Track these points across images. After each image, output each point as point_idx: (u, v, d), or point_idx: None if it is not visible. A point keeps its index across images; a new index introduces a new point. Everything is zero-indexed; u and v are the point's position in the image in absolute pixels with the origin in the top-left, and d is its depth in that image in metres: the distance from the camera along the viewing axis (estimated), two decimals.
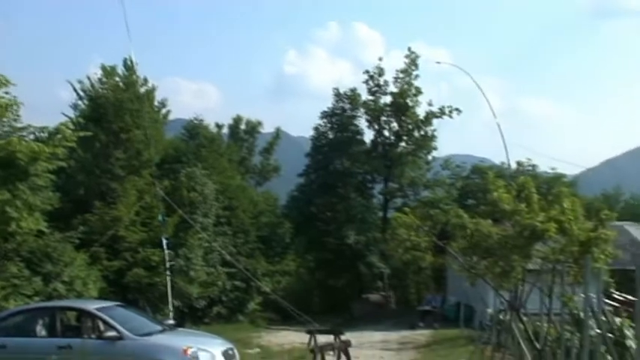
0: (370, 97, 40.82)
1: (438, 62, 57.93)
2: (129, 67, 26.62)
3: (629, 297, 11.76)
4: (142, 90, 27.40)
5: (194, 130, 35.26)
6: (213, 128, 38.98)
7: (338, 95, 41.31)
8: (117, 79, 26.53)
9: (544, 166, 41.12)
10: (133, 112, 25.25)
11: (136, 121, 25.16)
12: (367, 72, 40.94)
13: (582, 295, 11.50)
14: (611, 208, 20.37)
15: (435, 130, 40.06)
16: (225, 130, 42.15)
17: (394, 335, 24.77)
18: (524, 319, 15.80)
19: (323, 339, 15.04)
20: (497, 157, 39.12)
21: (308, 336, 15.00)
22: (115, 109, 25.24)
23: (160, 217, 22.26)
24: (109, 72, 26.53)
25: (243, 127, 43.78)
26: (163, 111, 33.65)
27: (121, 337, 11.63)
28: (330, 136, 41.28)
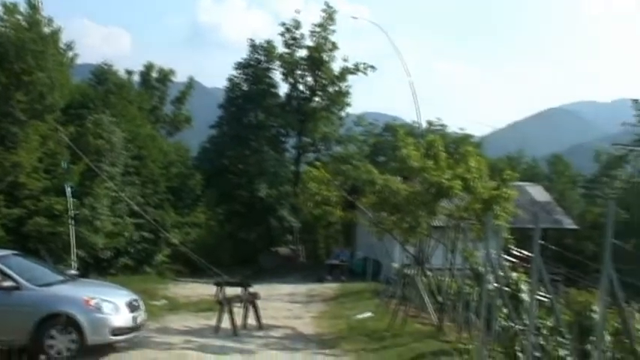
0: (286, 50, 40.44)
1: (355, 17, 57.49)
2: (32, 5, 25.11)
3: (527, 253, 12.31)
4: (47, 31, 25.93)
5: (102, 75, 33.86)
6: (123, 75, 37.55)
7: (253, 47, 40.70)
8: (19, 17, 25.00)
9: (454, 127, 42.21)
10: (36, 54, 23.89)
11: (40, 63, 23.85)
12: (284, 24, 40.52)
13: (483, 250, 11.96)
14: (513, 169, 21.19)
15: (349, 87, 40.25)
16: (136, 78, 40.67)
17: (302, 288, 25.09)
18: (429, 273, 16.34)
19: (231, 291, 15.02)
20: (409, 116, 39.84)
21: (216, 288, 14.94)
22: (17, 50, 23.80)
23: (63, 164, 21.39)
24: (10, 9, 24.91)
25: (155, 75, 42.35)
26: (70, 54, 32.08)
27: (18, 287, 11.17)
28: (245, 88, 40.69)
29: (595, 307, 10.25)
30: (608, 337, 9.79)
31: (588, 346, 9.73)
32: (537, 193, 34.79)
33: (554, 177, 45.04)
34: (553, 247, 13.59)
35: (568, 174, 44.92)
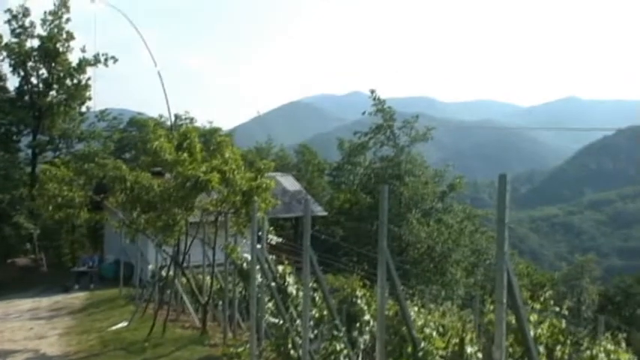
0: (14, 40, 36.42)
1: (93, 0, 53.76)
2: None
3: (281, 242, 12.01)
4: None
5: None
6: None
7: None
8: None
9: (201, 120, 41.52)
10: None
11: None
12: (9, 11, 36.46)
13: (247, 244, 11.34)
14: (266, 161, 21.07)
15: (89, 79, 37.43)
16: None
17: (46, 301, 22.62)
18: (188, 273, 15.39)
19: None
20: (154, 112, 38.34)
21: None
22: None
23: None
24: None
25: None
26: None
27: None
28: None
29: (359, 293, 10.16)
30: (369, 319, 9.78)
31: (355, 333, 9.63)
32: (288, 182, 35.51)
33: (303, 166, 46.54)
34: (324, 236, 13.46)
35: (315, 162, 46.69)
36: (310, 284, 8.45)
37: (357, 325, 9.73)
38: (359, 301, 9.92)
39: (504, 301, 4.92)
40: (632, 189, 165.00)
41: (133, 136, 40.45)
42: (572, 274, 48.38)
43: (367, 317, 9.77)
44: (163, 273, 16.40)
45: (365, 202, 37.84)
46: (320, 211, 34.50)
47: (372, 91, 39.43)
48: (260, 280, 10.10)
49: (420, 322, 8.37)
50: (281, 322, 9.38)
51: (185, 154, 13.32)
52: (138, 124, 41.01)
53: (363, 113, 40.33)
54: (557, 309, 7.13)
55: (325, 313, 9.18)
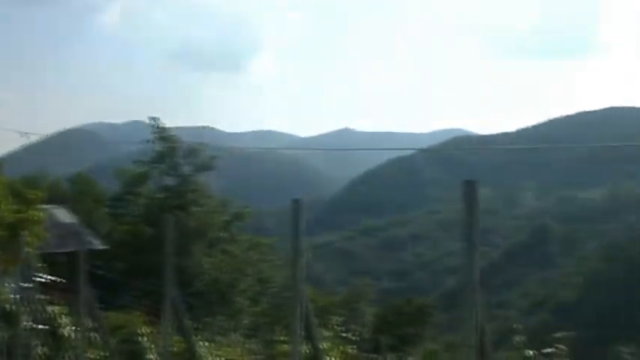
0: None
1: None
2: None
3: (55, 279, 10.99)
4: None
5: None
6: None
7: None
8: None
9: None
10: None
11: None
12: None
13: (13, 285, 10.15)
14: (35, 191, 19.36)
15: None
16: None
17: None
18: None
19: None
20: None
21: None
22: None
23: None
24: None
25: None
26: None
27: None
28: None
29: (140, 331, 9.57)
30: (154, 358, 9.20)
31: None
32: (62, 215, 33.18)
33: (79, 197, 43.83)
34: (102, 272, 12.46)
35: (93, 193, 44.23)
36: (89, 324, 7.72)
37: None
38: (141, 339, 9.33)
39: (298, 332, 4.75)
40: (401, 217, 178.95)
41: None
42: (351, 298, 50.68)
43: (152, 356, 9.19)
44: None
45: (147, 233, 36.46)
46: (99, 244, 32.61)
47: (154, 119, 38.44)
48: (28, 323, 9.06)
49: (210, 359, 7.99)
50: None
51: None
52: None
53: (147, 141, 39.10)
54: (345, 334, 7.17)
55: (105, 354, 8.48)
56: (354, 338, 7.22)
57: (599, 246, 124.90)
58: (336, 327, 7.10)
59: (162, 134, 38.29)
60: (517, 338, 5.98)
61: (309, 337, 5.05)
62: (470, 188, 4.10)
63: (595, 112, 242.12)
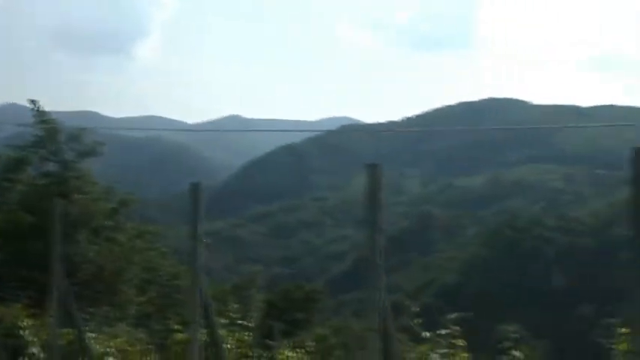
0: None
1: None
2: None
3: None
4: None
5: None
6: None
7: None
8: None
9: None
10: None
11: None
12: None
13: None
14: None
15: None
16: None
17: None
18: None
19: None
20: None
21: None
22: None
23: None
24: None
25: None
26: None
27: None
28: None
29: (22, 324, 9.12)
30: (36, 351, 8.82)
31: None
32: None
33: None
34: None
35: None
36: None
37: (24, 359, 8.69)
38: (23, 333, 8.88)
39: (197, 320, 4.62)
40: (291, 202, 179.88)
41: None
42: (242, 285, 50.51)
43: (35, 350, 8.75)
44: None
45: (27, 221, 34.63)
46: None
47: (33, 102, 36.44)
48: None
49: (101, 350, 7.69)
50: None
51: None
52: None
53: (24, 125, 37.04)
54: (242, 322, 7.09)
55: None
56: (250, 325, 7.15)
57: (479, 232, 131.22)
58: (231, 315, 7.00)
59: (42, 117, 36.39)
60: (414, 321, 6.11)
61: (208, 325, 4.92)
62: (373, 171, 4.11)
63: (475, 102, 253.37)
